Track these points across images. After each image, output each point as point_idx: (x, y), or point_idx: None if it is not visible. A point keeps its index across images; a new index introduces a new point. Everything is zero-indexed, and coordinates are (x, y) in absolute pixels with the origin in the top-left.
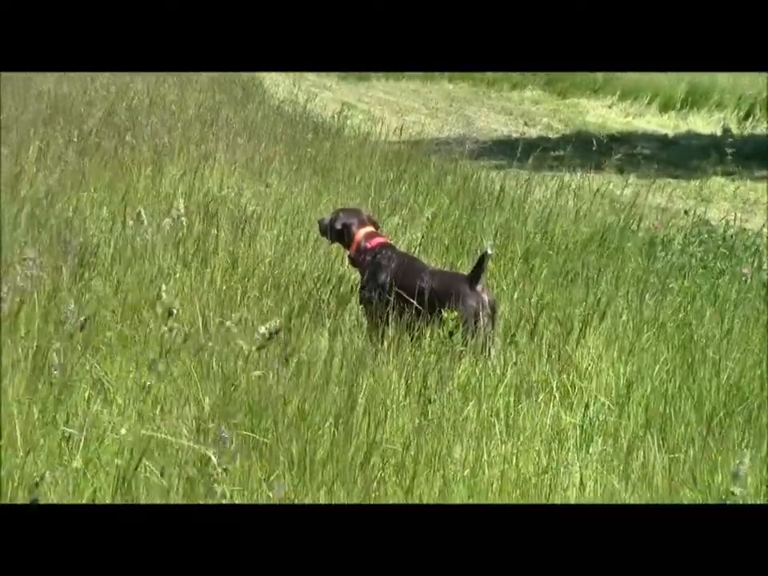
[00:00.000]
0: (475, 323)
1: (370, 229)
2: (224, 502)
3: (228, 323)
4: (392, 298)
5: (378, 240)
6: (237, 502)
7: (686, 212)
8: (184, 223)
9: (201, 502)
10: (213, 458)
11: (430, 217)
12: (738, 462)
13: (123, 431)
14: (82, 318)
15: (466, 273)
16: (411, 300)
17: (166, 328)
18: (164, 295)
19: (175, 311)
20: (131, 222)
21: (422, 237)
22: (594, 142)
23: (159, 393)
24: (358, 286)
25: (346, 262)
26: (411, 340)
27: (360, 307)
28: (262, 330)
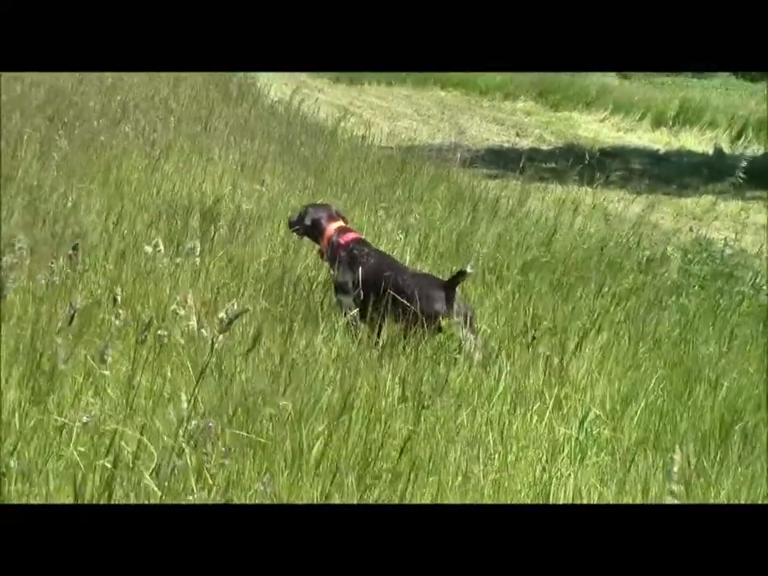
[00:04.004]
0: (469, 325)
1: (341, 224)
2: (218, 498)
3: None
4: (375, 297)
5: (351, 235)
6: (233, 498)
7: (690, 229)
8: (198, 263)
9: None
10: (186, 452)
11: (416, 217)
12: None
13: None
14: (74, 311)
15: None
16: (391, 298)
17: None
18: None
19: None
20: (148, 249)
21: (420, 244)
22: (587, 156)
23: (152, 388)
24: (333, 281)
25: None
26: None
27: (335, 301)
28: (221, 314)
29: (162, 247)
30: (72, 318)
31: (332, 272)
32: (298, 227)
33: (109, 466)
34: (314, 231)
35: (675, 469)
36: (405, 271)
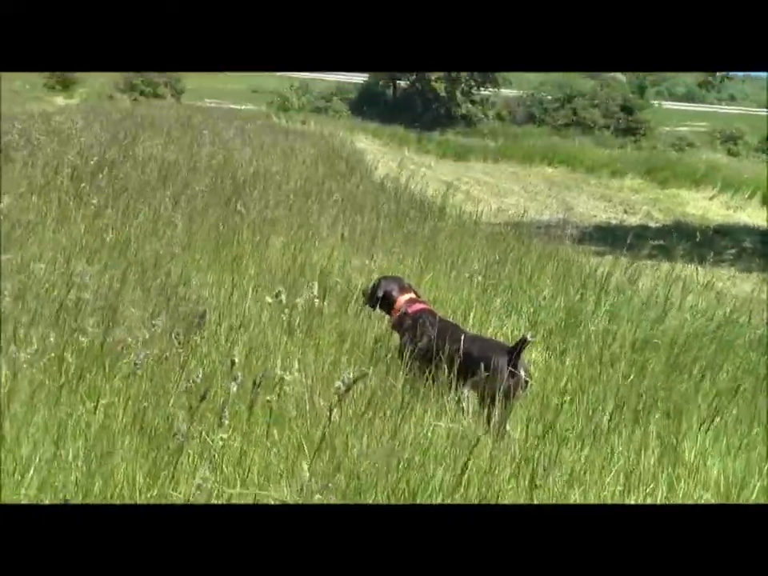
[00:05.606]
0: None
1: (411, 295)
2: None
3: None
4: (432, 360)
5: (419, 306)
6: None
7: None
8: (316, 304)
9: None
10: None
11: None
12: None
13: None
14: (202, 387)
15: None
16: (446, 361)
17: (274, 396)
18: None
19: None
20: (269, 300)
21: (530, 321)
22: (698, 234)
23: (264, 461)
24: (398, 347)
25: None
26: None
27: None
28: (337, 383)
29: (284, 297)
30: (190, 391)
31: (398, 340)
32: (371, 299)
33: None
34: (385, 302)
35: None
36: (470, 337)
